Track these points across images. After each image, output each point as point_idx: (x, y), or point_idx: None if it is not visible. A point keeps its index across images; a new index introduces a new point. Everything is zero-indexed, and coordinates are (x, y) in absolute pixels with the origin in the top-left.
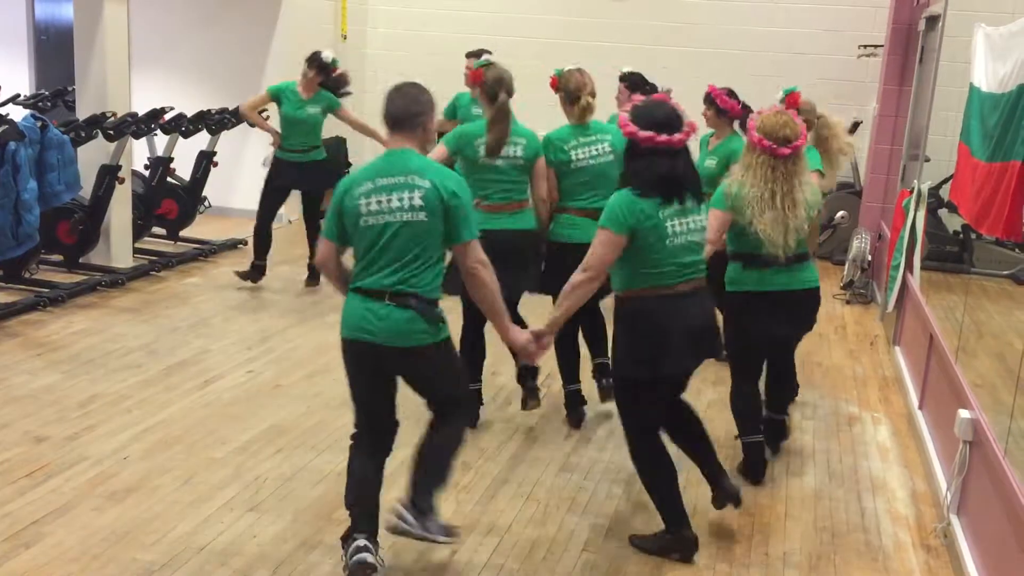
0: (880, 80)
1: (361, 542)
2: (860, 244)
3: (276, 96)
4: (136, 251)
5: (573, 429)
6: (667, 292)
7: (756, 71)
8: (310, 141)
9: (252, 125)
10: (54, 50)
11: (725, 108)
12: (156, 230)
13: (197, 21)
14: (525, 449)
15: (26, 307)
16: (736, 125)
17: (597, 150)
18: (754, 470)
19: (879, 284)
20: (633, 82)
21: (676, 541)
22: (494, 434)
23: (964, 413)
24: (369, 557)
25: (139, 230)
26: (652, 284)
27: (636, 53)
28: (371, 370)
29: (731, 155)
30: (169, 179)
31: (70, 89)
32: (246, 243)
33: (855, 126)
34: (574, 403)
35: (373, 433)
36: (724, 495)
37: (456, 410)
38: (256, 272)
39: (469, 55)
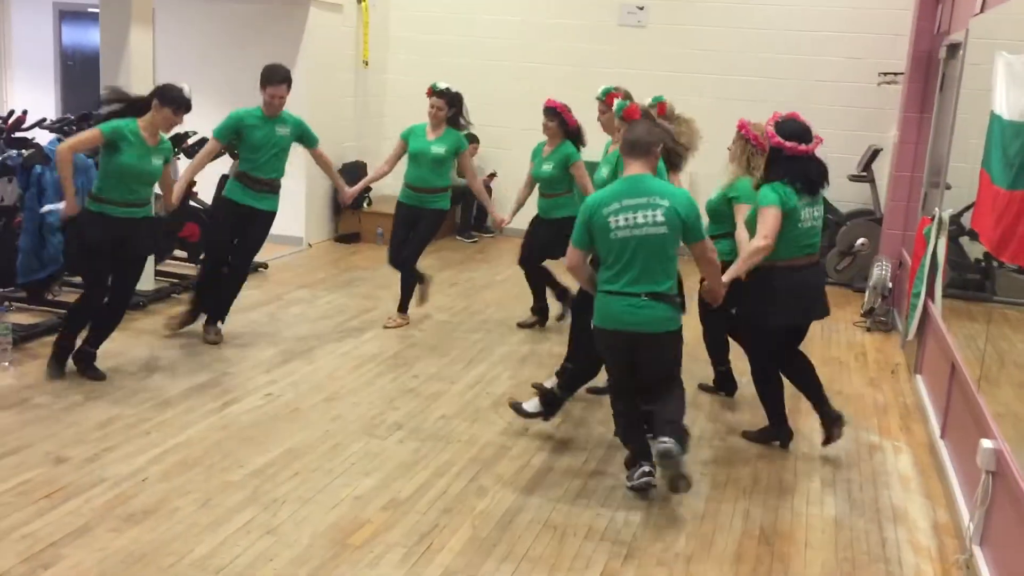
0: (900, 107)
1: (647, 467)
2: (881, 271)
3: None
4: (157, 274)
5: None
6: (796, 263)
7: (776, 98)
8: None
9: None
10: (80, 75)
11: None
12: (177, 253)
13: (220, 48)
14: (542, 475)
15: (48, 329)
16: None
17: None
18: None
19: (900, 312)
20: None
21: (777, 431)
22: (511, 460)
23: (987, 443)
24: (652, 480)
25: (161, 253)
26: (784, 256)
27: (657, 80)
28: (624, 351)
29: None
30: (191, 202)
31: (95, 114)
32: (267, 266)
33: (874, 154)
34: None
35: (625, 392)
36: (829, 421)
37: (674, 382)
38: None
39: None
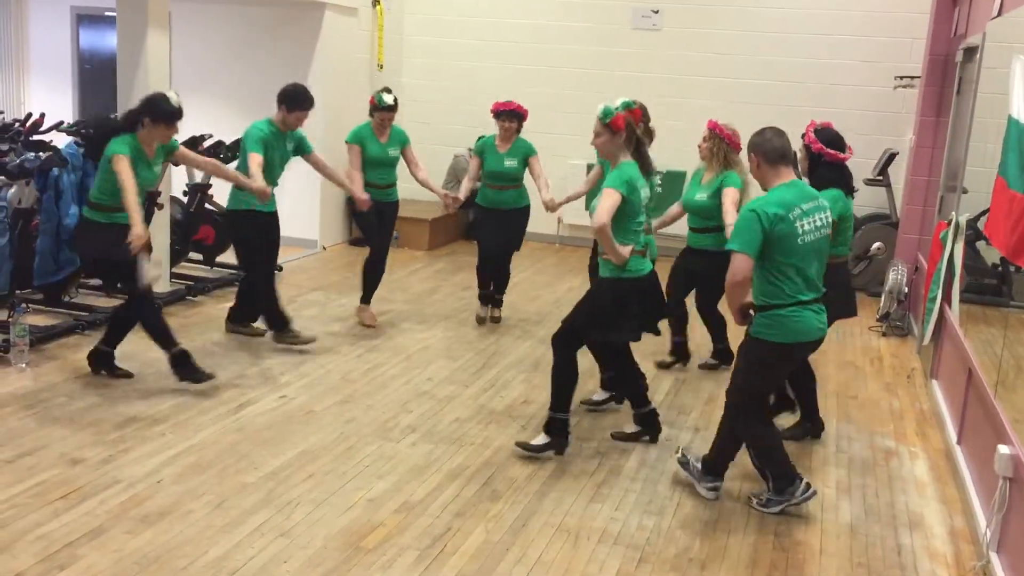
0: (917, 111)
1: (804, 480)
2: (896, 276)
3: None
4: (173, 276)
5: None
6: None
7: (792, 102)
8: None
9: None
10: (97, 78)
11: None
12: (193, 255)
13: (236, 51)
14: (555, 479)
15: (65, 331)
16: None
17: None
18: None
19: (916, 316)
20: None
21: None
22: (524, 464)
23: (1004, 449)
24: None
25: (176, 255)
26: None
27: (672, 84)
28: (797, 364)
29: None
30: (207, 205)
31: (112, 116)
32: (281, 269)
33: (891, 158)
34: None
35: (764, 408)
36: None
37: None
38: None
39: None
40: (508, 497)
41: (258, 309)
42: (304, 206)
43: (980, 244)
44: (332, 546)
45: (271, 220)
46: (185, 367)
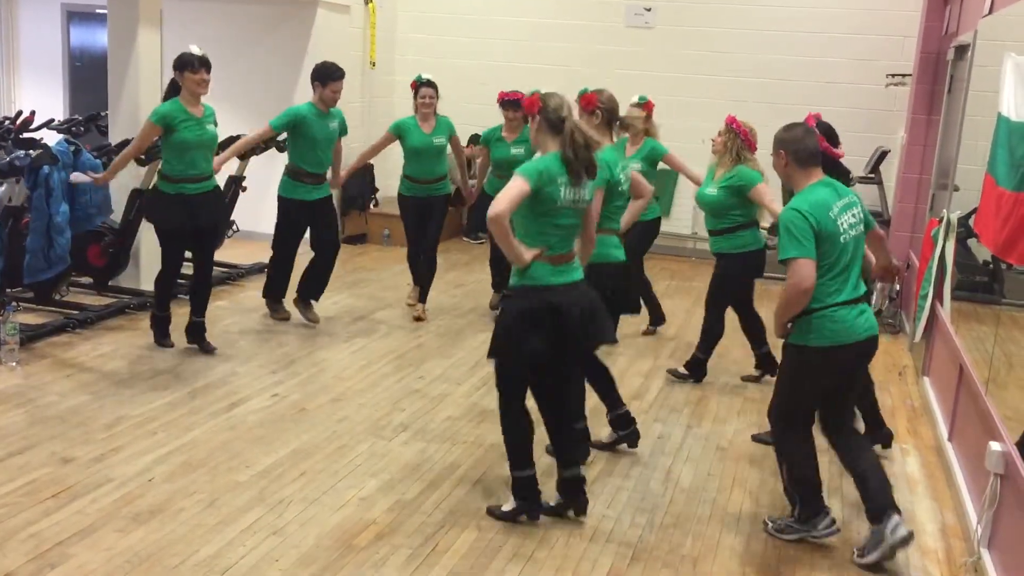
0: (908, 109)
1: (832, 519)
2: None
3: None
4: None
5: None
6: None
7: (784, 100)
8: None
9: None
10: (88, 76)
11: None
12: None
13: (228, 49)
14: (548, 477)
15: (55, 329)
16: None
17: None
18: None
19: (908, 314)
20: None
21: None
22: None
23: (995, 446)
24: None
25: None
26: None
27: (664, 81)
28: (851, 367)
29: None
30: None
31: (103, 114)
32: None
33: (882, 155)
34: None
35: (810, 422)
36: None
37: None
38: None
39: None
40: (500, 495)
41: (270, 279)
42: None
43: (971, 242)
44: (324, 544)
45: (316, 207)
46: (198, 337)
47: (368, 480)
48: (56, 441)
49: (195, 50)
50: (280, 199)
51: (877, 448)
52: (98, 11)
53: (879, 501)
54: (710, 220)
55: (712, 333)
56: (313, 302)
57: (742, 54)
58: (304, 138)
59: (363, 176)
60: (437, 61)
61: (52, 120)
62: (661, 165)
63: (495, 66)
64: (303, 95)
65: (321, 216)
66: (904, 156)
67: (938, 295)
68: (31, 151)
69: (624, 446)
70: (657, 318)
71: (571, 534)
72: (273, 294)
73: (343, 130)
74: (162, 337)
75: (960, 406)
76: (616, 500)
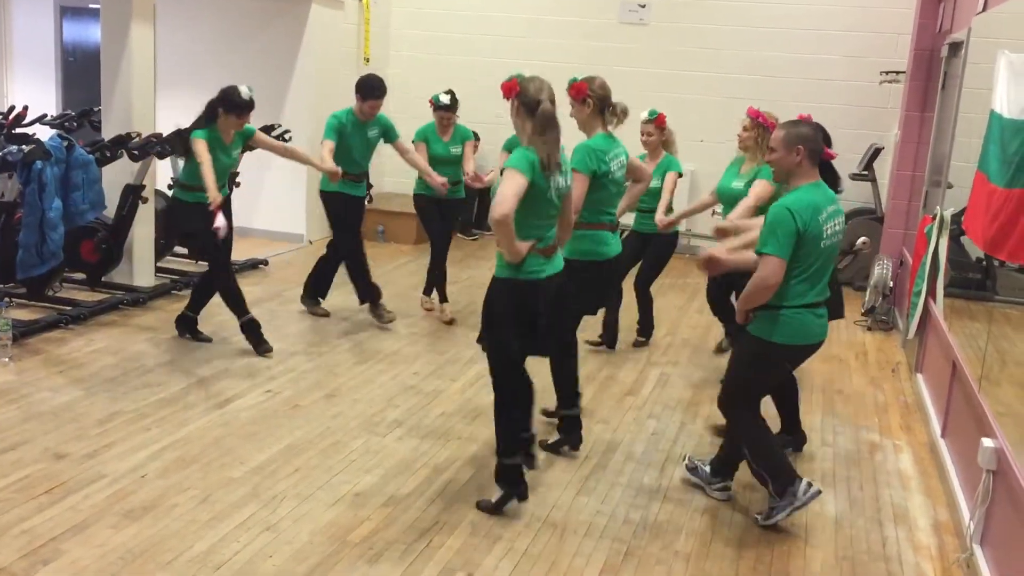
0: (902, 106)
1: (809, 482)
2: (882, 270)
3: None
4: (158, 270)
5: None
6: None
7: (778, 97)
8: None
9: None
10: (81, 71)
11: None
12: (178, 249)
13: (222, 44)
14: (542, 472)
15: (48, 325)
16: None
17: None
18: None
19: (901, 311)
20: None
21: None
22: None
23: (988, 442)
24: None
25: (161, 249)
26: None
27: (658, 78)
28: (792, 367)
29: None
30: None
31: (96, 109)
32: (267, 263)
33: (876, 152)
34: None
35: (758, 407)
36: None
37: None
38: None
39: None
40: (494, 491)
41: (355, 284)
42: (290, 200)
43: (965, 239)
44: (318, 540)
45: (358, 202)
46: (252, 334)
47: (362, 476)
48: (49, 437)
49: (245, 92)
50: (322, 194)
51: (789, 452)
52: (91, 6)
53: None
54: (729, 211)
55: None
56: (320, 299)
57: (736, 51)
58: (341, 143)
59: None
60: (431, 57)
61: (45, 115)
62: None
63: (489, 62)
64: (297, 91)
65: (359, 211)
66: (897, 153)
67: (931, 292)
68: (24, 146)
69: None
70: (647, 330)
71: (565, 530)
72: (359, 290)
73: (391, 135)
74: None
75: (953, 403)
76: (609, 496)
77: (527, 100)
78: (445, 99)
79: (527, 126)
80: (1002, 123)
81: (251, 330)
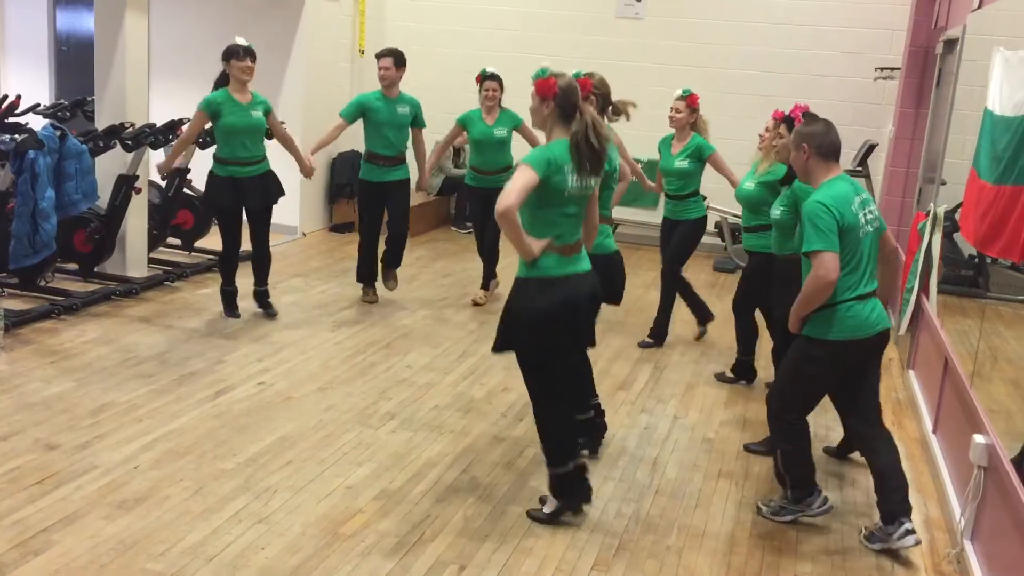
0: (897, 103)
1: (825, 497)
2: None
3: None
4: (151, 261)
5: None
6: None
7: (773, 92)
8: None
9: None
10: (74, 61)
11: None
12: (171, 240)
13: (216, 34)
14: (535, 466)
15: (40, 315)
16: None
17: None
18: None
19: (893, 307)
20: None
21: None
22: (504, 451)
23: (979, 438)
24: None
25: (154, 240)
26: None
27: (654, 73)
28: (862, 360)
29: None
30: (185, 190)
31: (89, 99)
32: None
33: (870, 149)
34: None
35: (809, 411)
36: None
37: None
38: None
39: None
40: (487, 484)
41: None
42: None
43: (958, 236)
44: (310, 533)
45: (388, 189)
46: (263, 303)
47: (354, 469)
48: (41, 428)
49: (241, 41)
50: (359, 182)
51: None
52: None
53: (891, 505)
54: (746, 216)
55: (749, 333)
56: (380, 276)
57: (732, 46)
58: (371, 123)
59: (350, 164)
60: (426, 49)
61: (38, 105)
62: (651, 156)
63: (484, 55)
64: (292, 81)
65: (392, 199)
66: (892, 150)
67: (924, 288)
68: (16, 136)
69: None
70: (704, 316)
71: (557, 524)
72: (360, 278)
73: (418, 120)
74: (230, 309)
75: (945, 399)
76: (602, 491)
77: (563, 104)
78: (491, 68)
79: (557, 129)
80: (993, 120)
81: (261, 298)
